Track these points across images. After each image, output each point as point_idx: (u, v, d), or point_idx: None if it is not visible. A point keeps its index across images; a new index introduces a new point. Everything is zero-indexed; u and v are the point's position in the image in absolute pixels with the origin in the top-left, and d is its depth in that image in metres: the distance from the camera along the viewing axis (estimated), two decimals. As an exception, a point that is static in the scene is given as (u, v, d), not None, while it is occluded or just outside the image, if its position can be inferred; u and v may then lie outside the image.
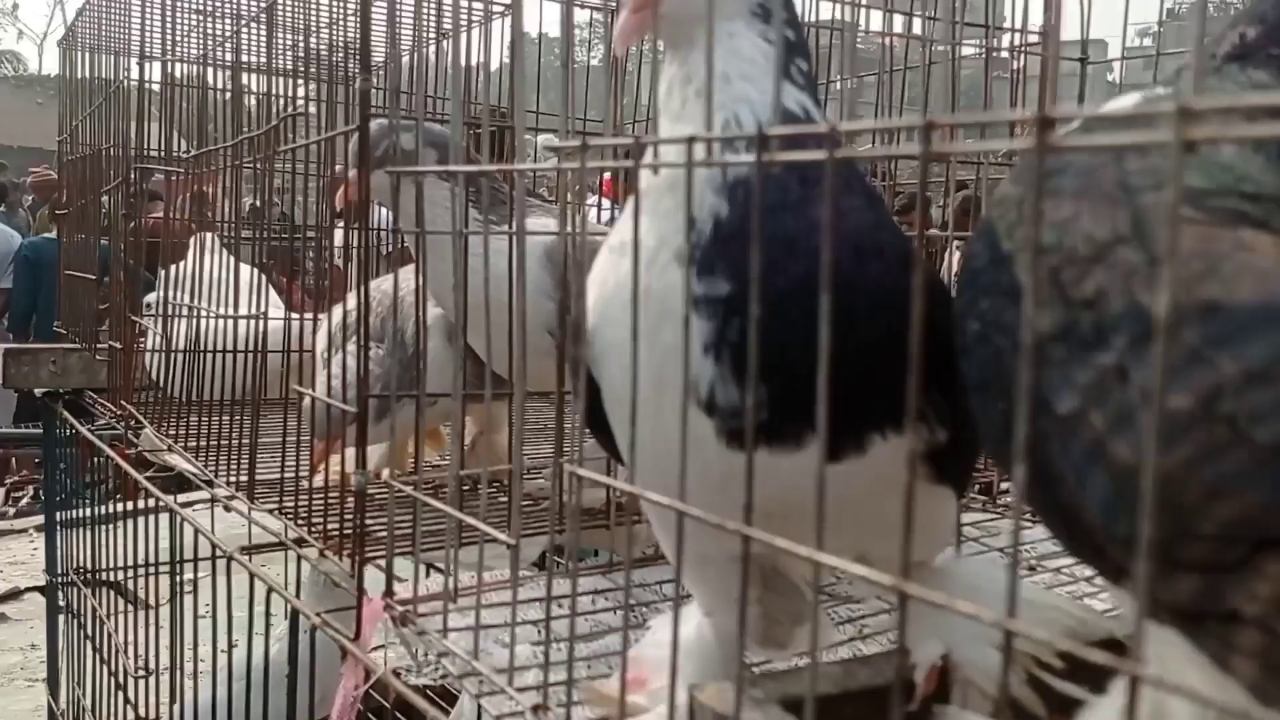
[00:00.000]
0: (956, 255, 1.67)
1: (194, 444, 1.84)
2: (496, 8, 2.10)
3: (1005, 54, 1.73)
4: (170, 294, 2.11)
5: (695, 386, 0.79)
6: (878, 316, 0.76)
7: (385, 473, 1.59)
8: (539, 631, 1.13)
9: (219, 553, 1.58)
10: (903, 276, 0.77)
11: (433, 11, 1.23)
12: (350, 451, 1.40)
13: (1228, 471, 0.51)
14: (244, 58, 1.81)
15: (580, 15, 1.87)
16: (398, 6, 1.91)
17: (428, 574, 1.28)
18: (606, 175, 2.09)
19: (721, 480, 0.76)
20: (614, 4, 1.89)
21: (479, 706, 1.04)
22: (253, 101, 1.80)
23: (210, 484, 1.69)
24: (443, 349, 1.38)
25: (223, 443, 1.71)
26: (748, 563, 0.68)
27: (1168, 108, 0.39)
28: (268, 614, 1.47)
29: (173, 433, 1.98)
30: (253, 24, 1.73)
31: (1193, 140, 0.39)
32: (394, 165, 1.20)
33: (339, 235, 1.58)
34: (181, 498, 2.01)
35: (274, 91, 1.58)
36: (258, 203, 2.11)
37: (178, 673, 1.91)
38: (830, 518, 0.64)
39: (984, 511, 1.64)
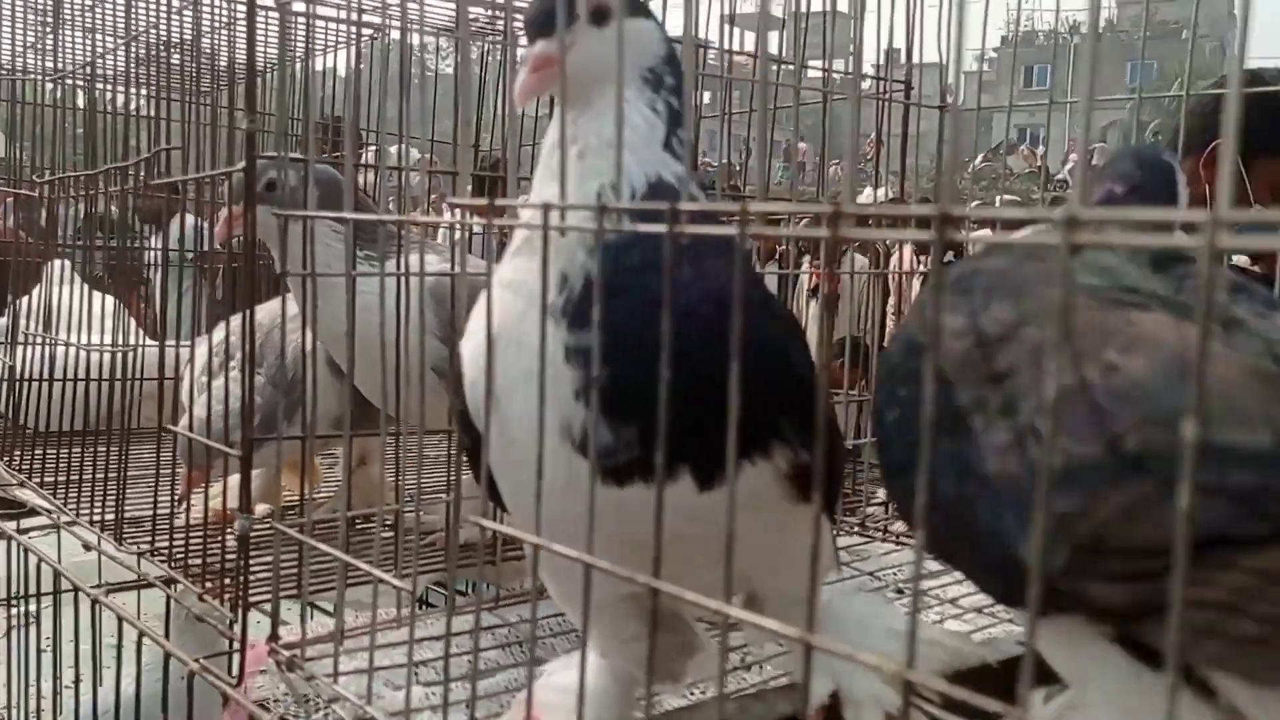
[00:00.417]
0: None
1: (51, 479, 1.77)
2: (366, 30, 2.10)
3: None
4: (23, 322, 2.03)
5: (569, 429, 0.84)
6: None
7: (261, 508, 1.57)
8: (433, 672, 1.14)
9: (66, 586, 1.51)
10: (767, 325, 0.86)
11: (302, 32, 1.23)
12: (227, 486, 1.38)
13: (1135, 502, 0.60)
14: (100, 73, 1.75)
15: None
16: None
17: (310, 616, 1.27)
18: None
19: (600, 517, 0.78)
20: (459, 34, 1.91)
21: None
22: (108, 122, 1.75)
23: (72, 524, 1.62)
24: (324, 377, 1.37)
25: (84, 478, 1.65)
26: (655, 614, 0.71)
27: (1058, 217, 0.43)
28: (119, 651, 1.42)
29: (25, 467, 1.90)
30: (118, 41, 1.68)
31: (1078, 244, 0.44)
32: (279, 201, 1.19)
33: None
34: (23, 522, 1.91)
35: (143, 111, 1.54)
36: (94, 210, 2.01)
37: (15, 712, 1.82)
38: (710, 546, 0.69)
39: (856, 536, 1.72)
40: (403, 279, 1.16)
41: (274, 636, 1.18)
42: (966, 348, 0.64)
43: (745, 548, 0.76)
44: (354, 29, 1.35)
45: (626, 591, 0.73)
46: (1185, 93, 1.61)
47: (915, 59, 1.80)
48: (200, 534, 1.36)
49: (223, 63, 2.06)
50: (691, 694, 1.16)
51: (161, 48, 1.53)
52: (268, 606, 1.19)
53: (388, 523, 1.60)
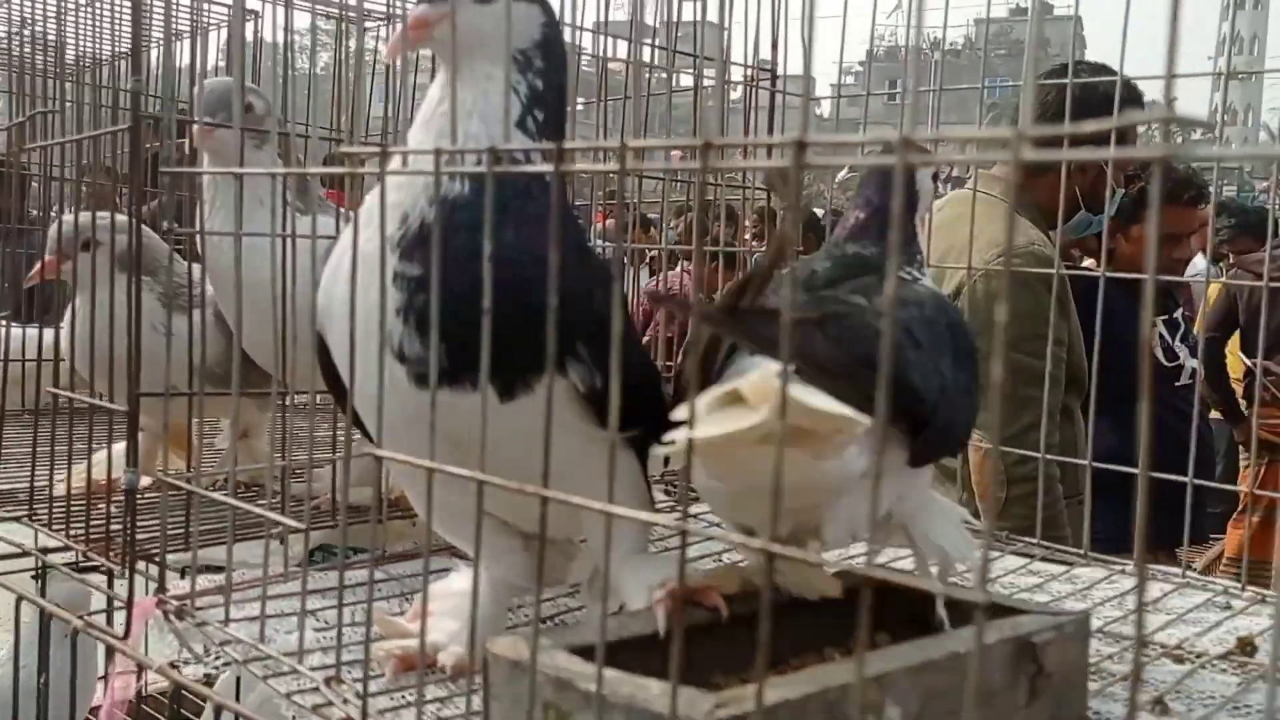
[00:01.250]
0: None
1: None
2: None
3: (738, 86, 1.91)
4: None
5: (390, 340, 0.97)
6: (534, 288, 0.90)
7: (143, 480, 1.57)
8: (323, 621, 1.17)
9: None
10: (576, 269, 0.95)
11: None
12: (111, 455, 1.38)
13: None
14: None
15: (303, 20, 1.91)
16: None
17: (181, 576, 1.29)
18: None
19: (415, 415, 0.92)
20: (348, 14, 1.95)
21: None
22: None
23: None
24: (212, 334, 1.39)
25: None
26: (544, 524, 0.77)
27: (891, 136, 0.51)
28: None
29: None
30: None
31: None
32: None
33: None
34: None
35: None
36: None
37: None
38: (511, 451, 0.85)
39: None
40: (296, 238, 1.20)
41: (161, 589, 1.20)
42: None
43: (553, 471, 0.83)
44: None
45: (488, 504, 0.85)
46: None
47: (781, 69, 1.88)
48: (82, 503, 1.37)
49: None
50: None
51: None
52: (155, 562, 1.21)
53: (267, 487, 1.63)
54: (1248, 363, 4.13)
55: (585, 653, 0.84)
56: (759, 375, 0.79)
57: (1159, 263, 0.68)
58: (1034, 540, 1.60)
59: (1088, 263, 3.07)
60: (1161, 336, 3.14)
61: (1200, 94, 1.76)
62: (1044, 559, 1.56)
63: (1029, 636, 0.92)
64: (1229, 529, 4.06)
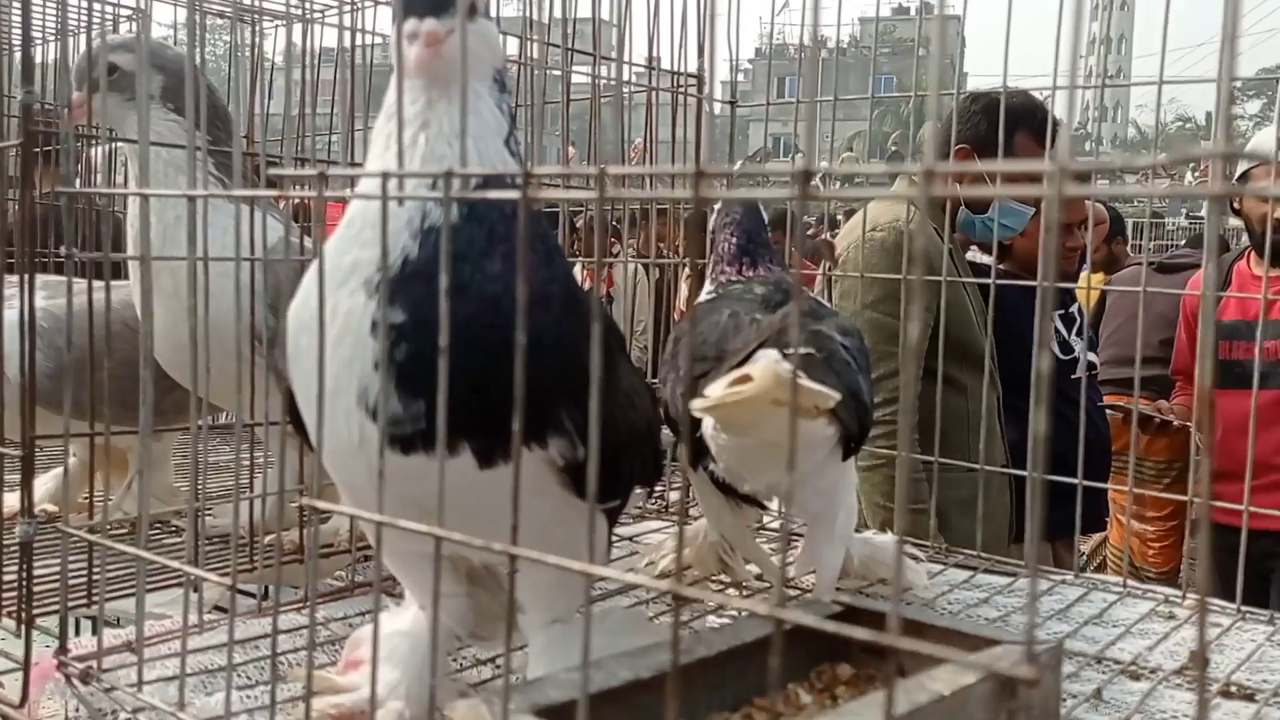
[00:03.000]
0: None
1: None
2: (124, 10, 1.98)
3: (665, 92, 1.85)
4: None
5: (365, 396, 0.88)
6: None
7: (47, 508, 1.45)
8: (246, 677, 1.08)
9: None
10: (563, 322, 0.90)
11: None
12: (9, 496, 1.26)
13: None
14: None
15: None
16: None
17: (81, 629, 1.19)
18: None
19: (389, 481, 0.81)
20: (247, 16, 1.84)
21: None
22: None
23: None
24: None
25: None
26: (438, 561, 0.72)
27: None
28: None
29: None
30: None
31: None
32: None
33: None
34: None
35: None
36: None
37: None
38: (483, 518, 0.77)
39: (657, 520, 1.75)
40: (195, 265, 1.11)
41: (63, 649, 1.09)
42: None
43: (522, 532, 0.77)
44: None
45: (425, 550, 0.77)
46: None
47: (669, 65, 1.83)
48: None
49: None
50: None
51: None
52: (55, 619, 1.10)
53: (175, 526, 1.52)
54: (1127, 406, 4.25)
55: (550, 714, 0.78)
56: (765, 361, 1.03)
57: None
58: (973, 552, 1.58)
59: (984, 259, 3.11)
60: (1057, 331, 3.20)
61: (1076, 95, 1.80)
62: (987, 570, 1.54)
63: (1009, 672, 0.89)
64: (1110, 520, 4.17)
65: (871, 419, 1.31)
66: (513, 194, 0.67)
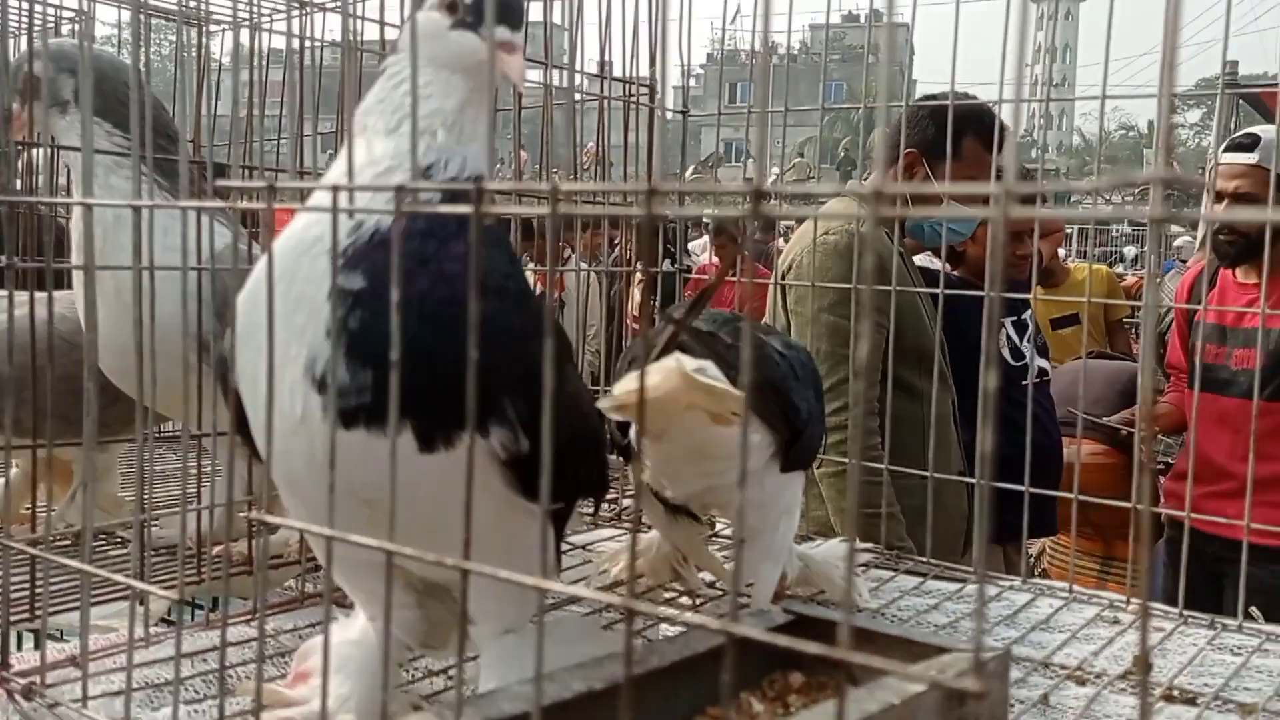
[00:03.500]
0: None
1: None
2: (66, 13, 1.95)
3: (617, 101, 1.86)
4: None
5: (312, 366, 0.85)
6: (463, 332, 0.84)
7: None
8: (194, 690, 1.07)
9: None
10: (516, 315, 0.89)
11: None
12: None
13: None
14: None
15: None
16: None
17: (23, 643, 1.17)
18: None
19: (324, 460, 0.79)
20: (194, 19, 1.82)
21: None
22: None
23: None
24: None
25: None
26: (465, 598, 0.70)
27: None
28: None
29: None
30: None
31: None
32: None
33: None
34: None
35: None
36: None
37: None
38: (423, 512, 0.76)
39: (611, 528, 1.75)
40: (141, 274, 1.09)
41: (4, 664, 1.07)
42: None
43: (450, 517, 0.76)
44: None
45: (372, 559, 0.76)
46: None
47: (620, 72, 1.84)
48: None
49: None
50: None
51: None
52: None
53: (120, 537, 1.49)
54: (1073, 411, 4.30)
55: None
56: (668, 359, 1.00)
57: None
58: (925, 559, 1.60)
59: (937, 264, 3.15)
60: (1009, 337, 3.24)
61: (1020, 109, 1.85)
62: (936, 577, 1.56)
63: (957, 681, 0.90)
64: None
65: (815, 431, 1.32)
66: (465, 208, 0.66)
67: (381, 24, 1.58)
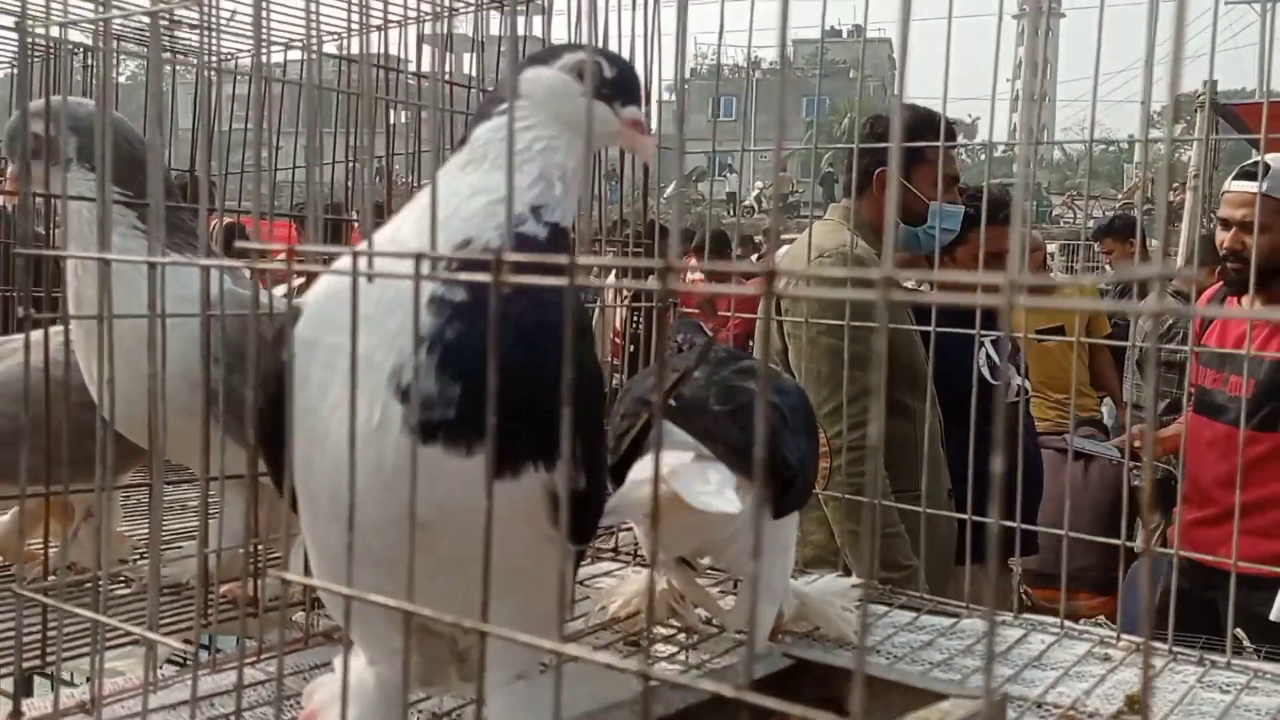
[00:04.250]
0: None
1: None
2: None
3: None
4: None
5: (398, 373, 0.84)
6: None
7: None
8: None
9: None
10: (587, 351, 0.96)
11: None
12: None
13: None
14: None
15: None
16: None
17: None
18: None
19: (393, 474, 0.82)
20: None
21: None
22: None
23: None
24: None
25: None
26: (484, 660, 0.73)
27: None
28: None
29: None
30: None
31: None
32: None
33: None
34: None
35: None
36: None
37: None
38: (471, 536, 0.72)
39: (608, 562, 1.77)
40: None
41: (16, 713, 1.08)
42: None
43: (498, 552, 0.77)
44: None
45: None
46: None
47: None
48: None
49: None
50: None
51: None
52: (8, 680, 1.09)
53: (125, 577, 1.50)
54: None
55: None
56: (664, 483, 1.04)
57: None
58: (918, 594, 1.63)
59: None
60: (988, 356, 3.27)
61: (1000, 117, 1.92)
62: (930, 611, 1.58)
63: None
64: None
65: (808, 475, 1.34)
66: (484, 276, 0.68)
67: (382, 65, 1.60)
